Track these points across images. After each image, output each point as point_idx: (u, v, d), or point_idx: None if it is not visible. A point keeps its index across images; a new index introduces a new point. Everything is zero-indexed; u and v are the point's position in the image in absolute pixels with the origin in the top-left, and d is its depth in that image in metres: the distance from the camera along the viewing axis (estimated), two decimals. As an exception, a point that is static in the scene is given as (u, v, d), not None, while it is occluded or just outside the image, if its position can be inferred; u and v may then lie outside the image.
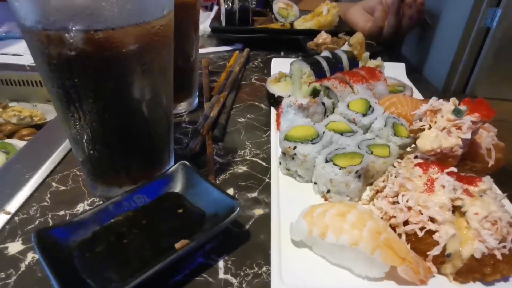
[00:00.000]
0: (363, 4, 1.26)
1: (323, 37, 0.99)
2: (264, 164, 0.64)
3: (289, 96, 0.69)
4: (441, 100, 0.56)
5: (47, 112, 0.96)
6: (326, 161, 0.54)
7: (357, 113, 0.64)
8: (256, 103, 0.85)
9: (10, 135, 0.87)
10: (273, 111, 0.76)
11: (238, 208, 0.45)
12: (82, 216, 0.45)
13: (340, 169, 0.52)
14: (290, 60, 0.98)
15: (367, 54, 0.86)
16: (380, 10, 1.12)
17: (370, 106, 0.65)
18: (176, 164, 0.53)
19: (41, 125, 0.90)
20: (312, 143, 0.56)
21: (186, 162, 0.53)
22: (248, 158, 0.66)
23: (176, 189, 0.51)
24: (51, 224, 0.51)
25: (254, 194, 0.57)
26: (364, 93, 0.71)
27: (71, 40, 0.41)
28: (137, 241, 0.44)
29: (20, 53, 1.09)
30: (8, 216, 0.52)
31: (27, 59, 1.04)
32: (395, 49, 1.30)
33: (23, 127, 0.89)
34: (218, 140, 0.70)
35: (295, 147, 0.56)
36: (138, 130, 0.50)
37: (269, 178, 0.60)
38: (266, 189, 0.58)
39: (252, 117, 0.79)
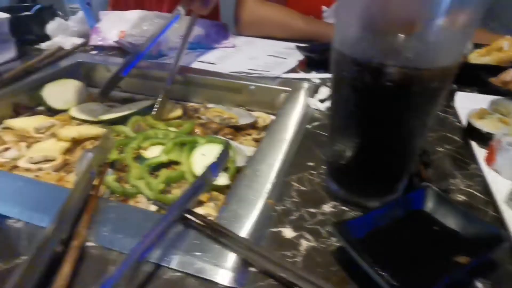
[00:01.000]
0: (543, 42, 1.21)
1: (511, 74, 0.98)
2: (481, 196, 0.67)
3: (506, 134, 0.71)
4: None
5: (239, 115, 1.10)
6: None
7: None
8: (448, 135, 0.88)
9: (216, 133, 1.02)
10: (474, 145, 0.79)
11: (506, 236, 0.50)
12: (360, 217, 0.54)
13: None
14: (474, 95, 0.99)
15: None
16: None
17: None
18: (423, 185, 0.59)
19: (236, 127, 1.04)
20: (556, 186, 0.58)
21: (431, 185, 0.59)
22: (462, 188, 0.70)
23: (426, 208, 0.57)
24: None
25: (486, 225, 0.61)
26: None
27: (384, 73, 0.50)
28: (409, 246, 0.51)
29: (213, 62, 1.28)
30: (272, 206, 0.63)
31: (219, 67, 1.22)
32: None
33: (223, 127, 1.04)
34: (427, 166, 0.75)
35: (538, 187, 0.58)
36: (399, 153, 0.58)
37: (494, 212, 0.63)
38: (494, 220, 0.61)
39: (450, 148, 0.82)
